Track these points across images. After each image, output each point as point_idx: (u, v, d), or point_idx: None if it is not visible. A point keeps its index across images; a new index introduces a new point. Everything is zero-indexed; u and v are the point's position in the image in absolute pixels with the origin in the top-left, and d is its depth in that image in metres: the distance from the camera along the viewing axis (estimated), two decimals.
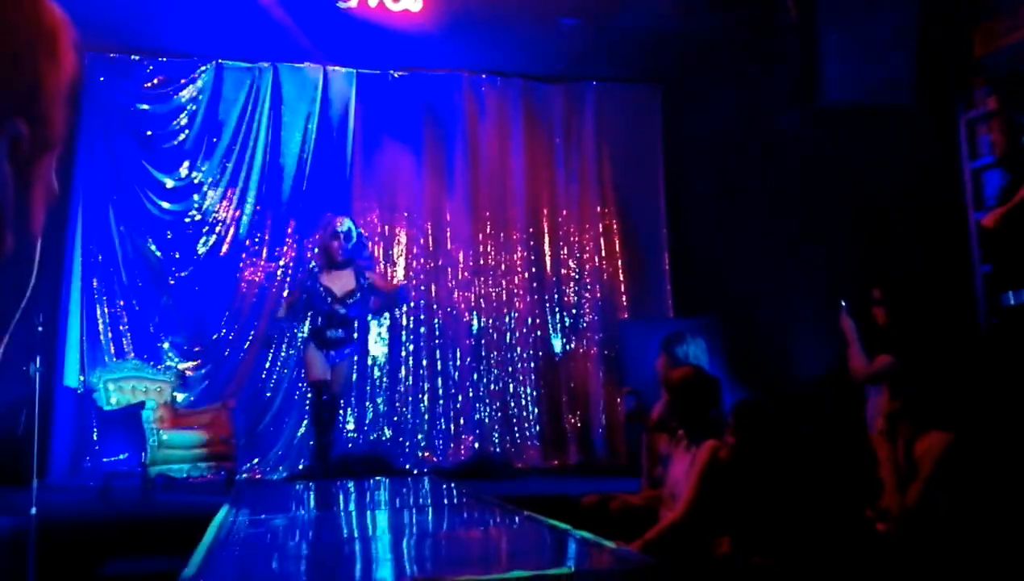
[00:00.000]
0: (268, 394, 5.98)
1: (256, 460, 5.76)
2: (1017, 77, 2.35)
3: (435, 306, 6.34)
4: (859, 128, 4.02)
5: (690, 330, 4.31)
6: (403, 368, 6.23)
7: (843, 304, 3.41)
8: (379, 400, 6.12)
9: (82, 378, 5.64)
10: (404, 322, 6.28)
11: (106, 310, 5.83)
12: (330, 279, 5.12)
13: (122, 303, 5.86)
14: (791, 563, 2.59)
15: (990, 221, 2.43)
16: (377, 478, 4.43)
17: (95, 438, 5.56)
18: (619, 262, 6.63)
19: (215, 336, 5.97)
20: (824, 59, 3.89)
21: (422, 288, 6.34)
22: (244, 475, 5.51)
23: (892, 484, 2.69)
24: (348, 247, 5.15)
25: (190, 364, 5.89)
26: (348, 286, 5.11)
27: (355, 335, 5.35)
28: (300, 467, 5.65)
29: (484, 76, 6.62)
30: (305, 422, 5.93)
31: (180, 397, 5.61)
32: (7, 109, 0.68)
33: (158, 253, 5.99)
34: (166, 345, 5.89)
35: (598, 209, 6.66)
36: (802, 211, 4.83)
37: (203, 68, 6.20)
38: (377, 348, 6.20)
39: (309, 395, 5.39)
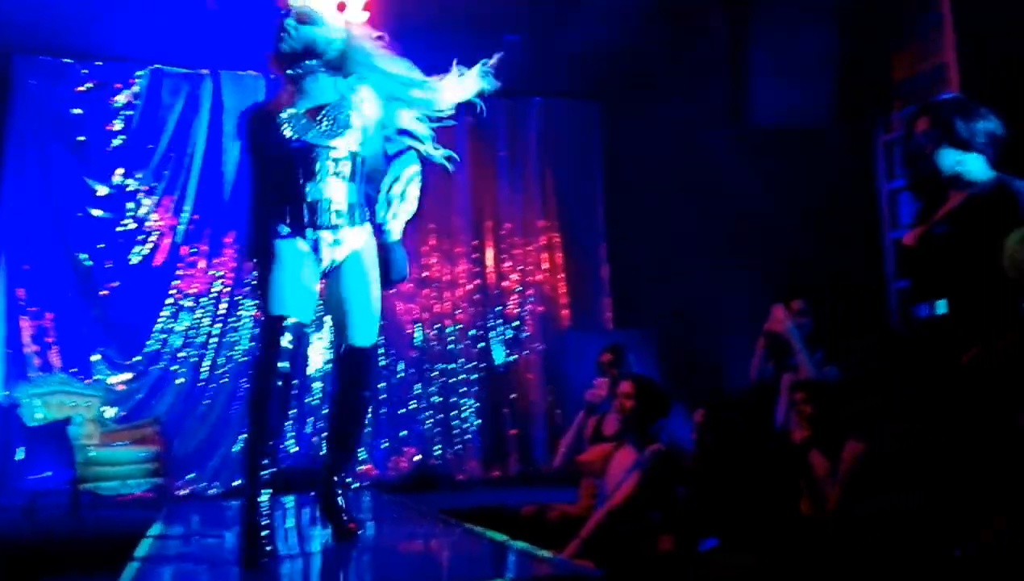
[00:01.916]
0: (203, 408, 5.84)
1: (190, 476, 5.62)
2: (954, 102, 2.53)
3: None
4: (785, 147, 4.24)
5: (628, 342, 4.43)
6: None
7: (789, 306, 3.50)
8: (321, 412, 6.06)
9: (6, 392, 5.41)
10: None
11: (32, 322, 5.62)
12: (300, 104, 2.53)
13: (50, 315, 5.66)
14: (738, 557, 2.69)
15: (910, 239, 2.61)
16: (314, 493, 4.38)
17: (19, 456, 5.34)
18: (561, 274, 6.75)
19: (148, 348, 5.82)
20: (752, 82, 4.10)
21: None
22: (177, 492, 5.38)
23: (808, 491, 2.84)
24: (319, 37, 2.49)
25: (121, 378, 5.72)
26: (329, 98, 2.54)
27: (364, 214, 2.59)
28: (235, 483, 5.54)
29: None
30: (242, 437, 5.81)
31: (110, 412, 5.44)
32: None
33: (89, 262, 5.81)
34: (96, 358, 5.71)
35: (541, 222, 6.77)
36: (733, 226, 5.03)
37: (140, 73, 6.07)
38: (317, 359, 6.12)
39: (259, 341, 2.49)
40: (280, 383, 2.34)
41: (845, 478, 2.63)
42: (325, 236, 2.47)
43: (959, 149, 2.28)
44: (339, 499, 2.62)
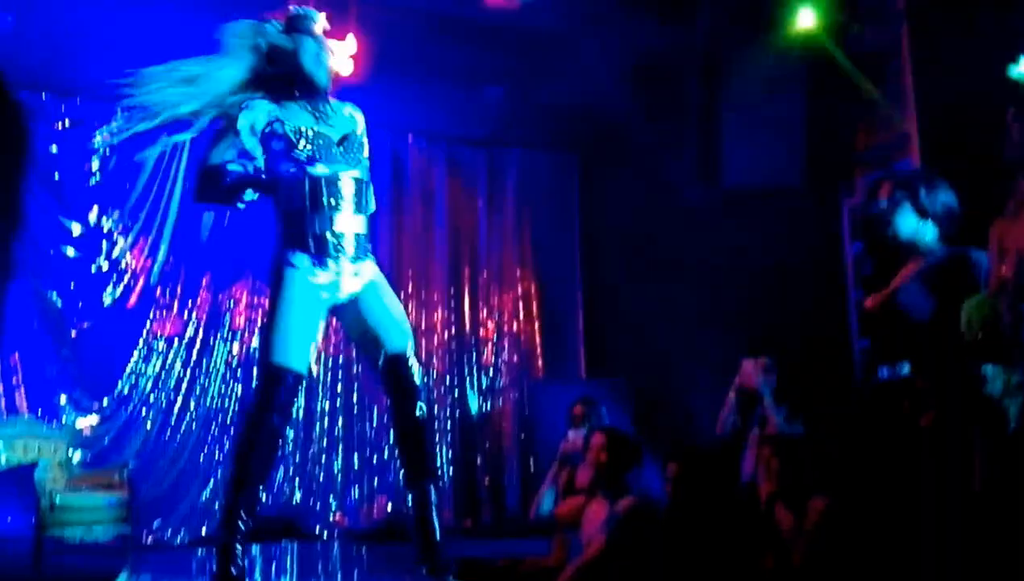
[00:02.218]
0: (172, 454, 5.73)
1: (157, 524, 5.49)
2: (918, 172, 2.69)
3: (353, 364, 6.30)
4: (756, 208, 4.41)
5: (601, 392, 4.49)
6: (317, 426, 6.13)
7: (762, 361, 3.58)
8: (294, 461, 5.98)
9: None
10: (321, 379, 6.20)
11: None
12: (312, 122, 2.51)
13: (17, 356, 5.55)
14: None
15: (871, 303, 2.73)
16: (284, 543, 4.31)
17: None
18: (536, 324, 6.81)
19: (117, 392, 5.71)
20: (725, 145, 4.28)
21: (341, 346, 6.29)
22: (144, 540, 5.24)
23: (773, 546, 2.89)
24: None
25: (89, 421, 5.61)
26: (346, 128, 2.54)
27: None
28: (203, 532, 5.42)
29: (410, 137, 6.76)
30: (211, 482, 5.70)
31: (77, 456, 5.31)
32: None
33: (59, 302, 5.73)
34: (63, 400, 5.59)
35: (517, 272, 6.85)
36: (705, 282, 5.16)
37: (119, 111, 6.07)
38: None
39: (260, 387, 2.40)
40: (270, 435, 2.30)
41: (810, 533, 2.68)
42: (347, 267, 2.38)
43: (919, 217, 2.42)
44: (434, 528, 2.50)
